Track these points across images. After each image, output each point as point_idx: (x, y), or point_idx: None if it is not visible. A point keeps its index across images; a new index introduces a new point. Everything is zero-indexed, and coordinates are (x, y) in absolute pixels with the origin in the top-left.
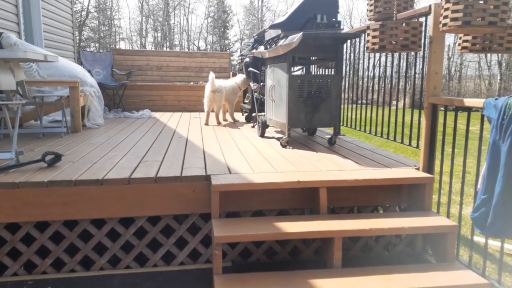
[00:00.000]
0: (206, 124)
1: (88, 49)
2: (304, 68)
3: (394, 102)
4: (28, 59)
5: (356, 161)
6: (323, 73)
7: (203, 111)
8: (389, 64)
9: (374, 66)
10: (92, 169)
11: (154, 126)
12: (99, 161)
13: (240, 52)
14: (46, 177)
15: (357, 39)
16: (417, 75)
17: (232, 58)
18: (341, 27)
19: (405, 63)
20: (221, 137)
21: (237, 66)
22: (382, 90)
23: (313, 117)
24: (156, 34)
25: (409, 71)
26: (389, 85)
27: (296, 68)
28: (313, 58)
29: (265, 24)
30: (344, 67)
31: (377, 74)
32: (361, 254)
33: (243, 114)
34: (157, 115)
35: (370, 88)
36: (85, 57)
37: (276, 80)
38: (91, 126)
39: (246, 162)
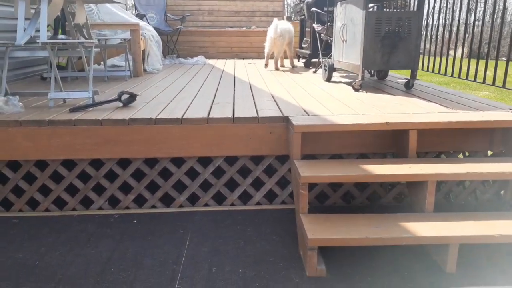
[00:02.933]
0: (266, 65)
1: None
2: (376, 7)
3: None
4: None
5: (442, 104)
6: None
7: (255, 57)
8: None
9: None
10: (168, 109)
11: (212, 72)
12: (171, 102)
13: None
14: (127, 115)
15: None
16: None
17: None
18: None
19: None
20: (285, 82)
21: (294, 8)
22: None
23: (390, 58)
24: None
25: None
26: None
27: (369, 6)
28: None
29: None
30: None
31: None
32: (444, 201)
33: (299, 60)
34: (211, 61)
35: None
36: (138, 1)
37: (348, 18)
38: (150, 70)
39: (321, 104)
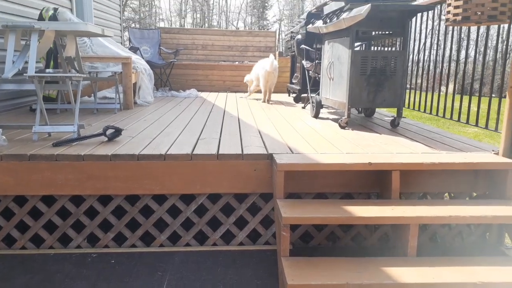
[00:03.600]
0: (264, 101)
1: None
2: (363, 45)
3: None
4: (88, 31)
5: (426, 144)
6: (381, 50)
7: (247, 91)
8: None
9: (436, 45)
10: (153, 144)
11: (203, 105)
12: (157, 137)
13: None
14: (110, 151)
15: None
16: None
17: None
18: None
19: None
20: (273, 117)
21: (286, 44)
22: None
23: (376, 96)
24: (195, 15)
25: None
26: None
27: (355, 44)
28: (376, 33)
29: (306, 3)
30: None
31: (427, 56)
32: (430, 243)
33: (289, 95)
34: (203, 94)
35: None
36: (133, 34)
37: (335, 56)
38: (141, 103)
39: (306, 142)
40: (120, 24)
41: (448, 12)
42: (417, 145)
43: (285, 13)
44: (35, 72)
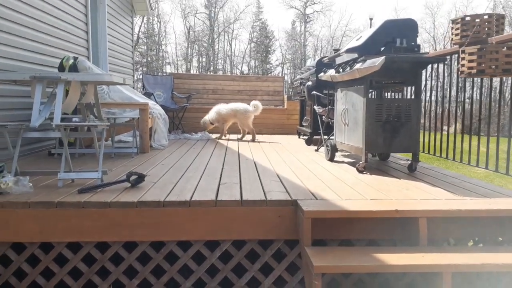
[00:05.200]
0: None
1: (149, 73)
2: (375, 92)
3: (445, 127)
4: (112, 82)
5: (448, 190)
6: (392, 97)
7: (257, 133)
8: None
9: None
10: (176, 190)
11: (217, 148)
12: (179, 182)
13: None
14: (135, 198)
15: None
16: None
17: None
18: (421, 51)
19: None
20: (288, 160)
21: (295, 90)
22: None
23: (392, 141)
24: (201, 59)
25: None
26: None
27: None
28: (388, 82)
29: (307, 48)
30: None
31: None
32: None
33: (299, 137)
34: (214, 136)
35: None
36: (147, 80)
37: (350, 103)
38: (156, 147)
39: (327, 187)
40: (132, 70)
41: (463, 65)
42: (439, 190)
43: (288, 57)
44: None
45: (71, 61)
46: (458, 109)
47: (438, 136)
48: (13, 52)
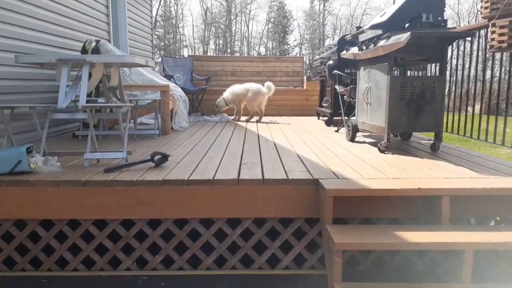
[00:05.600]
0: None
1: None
2: (398, 70)
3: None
4: (134, 63)
5: (471, 169)
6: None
7: (276, 115)
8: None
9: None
10: (198, 169)
11: (236, 129)
12: (201, 163)
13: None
14: (159, 176)
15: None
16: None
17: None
18: (448, 25)
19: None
20: (308, 141)
21: (314, 70)
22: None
23: (416, 120)
24: (218, 41)
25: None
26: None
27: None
28: (413, 59)
29: (326, 28)
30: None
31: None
32: (485, 268)
33: (319, 118)
34: (232, 118)
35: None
36: (167, 63)
37: (373, 81)
38: (177, 129)
39: (348, 166)
40: (152, 52)
41: (493, 39)
42: (463, 169)
43: (306, 37)
44: (86, 102)
45: (93, 44)
46: (484, 88)
47: (461, 116)
48: (38, 36)
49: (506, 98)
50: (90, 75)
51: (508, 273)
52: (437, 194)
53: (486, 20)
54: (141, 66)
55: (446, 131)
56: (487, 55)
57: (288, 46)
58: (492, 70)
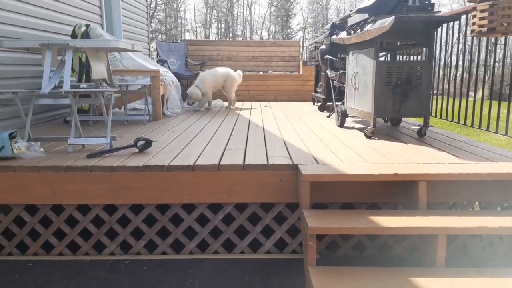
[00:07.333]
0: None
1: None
2: (388, 55)
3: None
4: (119, 48)
5: (453, 154)
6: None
7: (272, 100)
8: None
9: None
10: (181, 155)
11: (229, 115)
12: (185, 148)
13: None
14: (141, 162)
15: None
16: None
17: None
18: (434, 9)
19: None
20: (298, 127)
21: (310, 54)
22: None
23: (402, 106)
24: (220, 25)
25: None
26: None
27: (380, 55)
28: (400, 43)
29: (330, 12)
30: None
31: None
32: (459, 252)
33: (314, 104)
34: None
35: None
36: (160, 47)
37: (360, 67)
38: (169, 114)
39: (331, 152)
40: (148, 37)
41: (474, 23)
42: (444, 155)
43: (309, 21)
44: (70, 87)
45: (83, 28)
46: (486, 74)
47: (457, 103)
48: (25, 20)
49: (501, 83)
50: (88, 61)
51: (486, 258)
52: (413, 179)
53: (472, 4)
54: (126, 50)
55: (441, 117)
56: (471, 41)
57: (291, 30)
58: (494, 54)
